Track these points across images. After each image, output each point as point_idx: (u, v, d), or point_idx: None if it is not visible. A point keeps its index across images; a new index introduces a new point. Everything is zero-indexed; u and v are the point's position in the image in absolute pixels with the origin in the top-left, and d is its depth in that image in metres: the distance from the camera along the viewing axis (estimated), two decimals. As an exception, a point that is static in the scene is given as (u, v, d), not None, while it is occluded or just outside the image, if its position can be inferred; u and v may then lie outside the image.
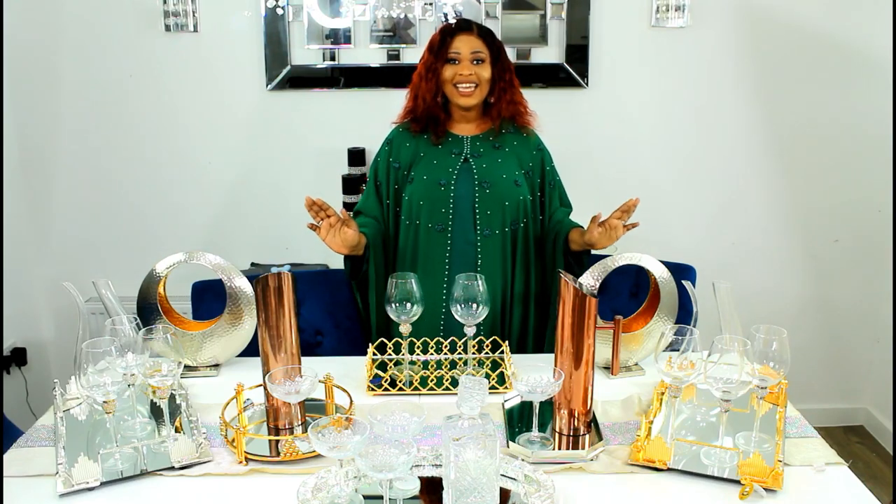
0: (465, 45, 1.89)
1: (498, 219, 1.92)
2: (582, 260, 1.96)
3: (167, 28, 2.67)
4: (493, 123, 1.97)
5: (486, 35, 1.93)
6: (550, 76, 2.75)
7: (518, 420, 1.49)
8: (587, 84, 2.76)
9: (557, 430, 1.43)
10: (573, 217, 2.04)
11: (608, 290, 2.16)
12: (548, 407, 1.49)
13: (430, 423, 1.40)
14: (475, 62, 1.89)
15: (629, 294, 2.23)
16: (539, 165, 2.00)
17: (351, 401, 1.51)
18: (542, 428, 1.42)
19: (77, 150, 2.78)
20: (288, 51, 2.71)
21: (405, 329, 1.67)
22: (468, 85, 1.89)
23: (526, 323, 2.01)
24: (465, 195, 1.92)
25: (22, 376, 2.78)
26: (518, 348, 1.98)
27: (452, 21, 1.96)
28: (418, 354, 1.74)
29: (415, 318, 1.67)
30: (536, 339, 2.03)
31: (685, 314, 1.72)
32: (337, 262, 2.03)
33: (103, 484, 1.28)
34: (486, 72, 1.90)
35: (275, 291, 1.41)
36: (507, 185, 1.93)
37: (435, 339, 1.76)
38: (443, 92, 1.93)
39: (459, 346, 1.75)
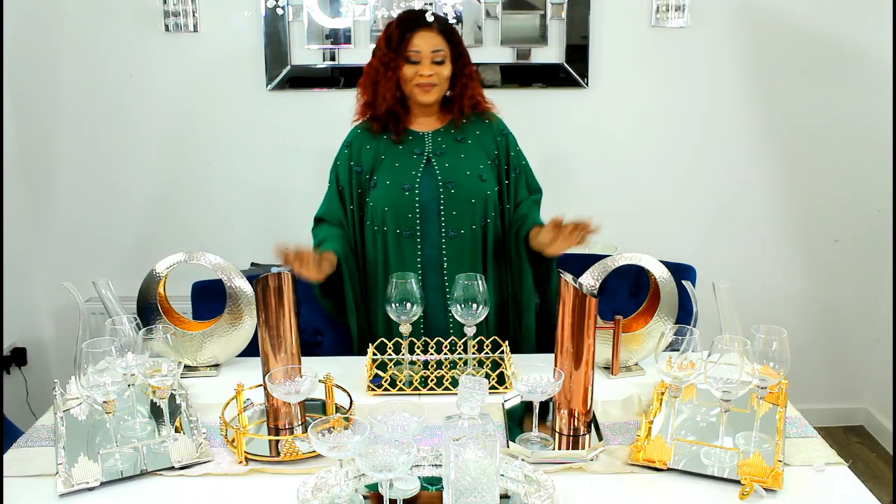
0: (425, 44, 1.81)
1: (465, 218, 1.88)
2: (541, 263, 1.90)
3: (167, 28, 2.67)
4: (453, 116, 1.92)
5: (446, 31, 1.85)
6: (550, 76, 2.75)
7: (518, 420, 1.49)
8: (587, 84, 2.76)
9: (557, 430, 1.43)
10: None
11: (608, 290, 2.16)
12: (548, 407, 1.49)
13: (430, 423, 1.40)
14: (436, 62, 1.83)
15: (629, 294, 2.23)
16: (504, 151, 1.95)
17: (351, 401, 1.51)
18: (542, 427, 1.42)
19: (77, 149, 2.78)
20: (288, 51, 2.71)
21: (405, 329, 1.67)
22: (429, 84, 1.84)
23: (505, 321, 1.98)
24: (430, 198, 1.87)
25: (22, 376, 2.78)
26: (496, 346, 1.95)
27: (412, 14, 1.85)
28: (418, 354, 1.74)
29: (415, 317, 1.67)
30: (515, 337, 1.98)
31: (685, 314, 1.72)
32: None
33: (103, 484, 1.28)
34: (446, 70, 1.85)
35: (275, 291, 1.41)
36: (472, 182, 1.88)
37: (435, 340, 1.76)
38: (402, 89, 1.87)
39: (459, 346, 1.75)
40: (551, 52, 2.74)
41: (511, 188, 1.96)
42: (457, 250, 1.89)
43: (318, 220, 1.99)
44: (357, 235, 1.97)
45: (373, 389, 1.63)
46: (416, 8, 2.64)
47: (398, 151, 1.91)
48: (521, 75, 2.75)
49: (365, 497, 1.25)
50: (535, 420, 1.41)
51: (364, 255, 1.97)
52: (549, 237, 1.73)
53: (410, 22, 1.83)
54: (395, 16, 2.66)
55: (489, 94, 2.00)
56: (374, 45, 2.68)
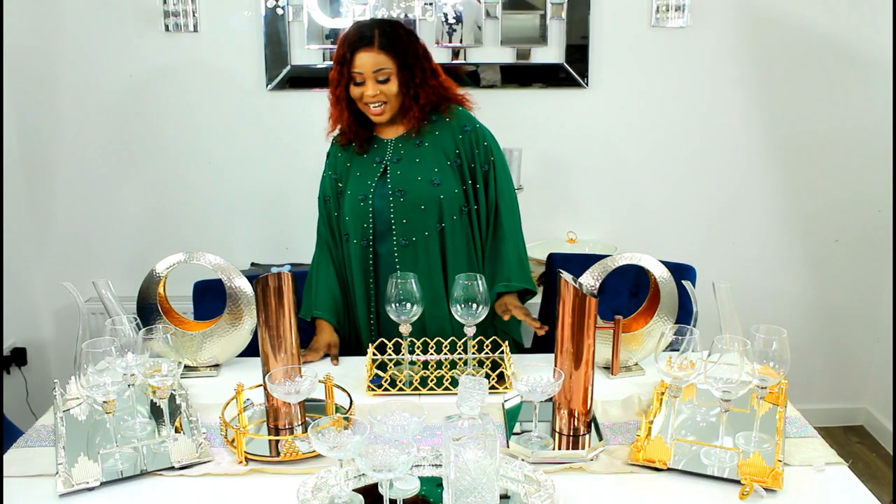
0: (366, 65, 1.77)
1: (416, 225, 1.85)
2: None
3: (167, 28, 2.67)
4: (412, 125, 1.88)
5: (388, 45, 1.77)
6: (550, 76, 2.75)
7: (518, 420, 1.49)
8: (587, 84, 2.76)
9: (557, 430, 1.43)
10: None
11: (608, 290, 2.16)
12: (548, 407, 1.49)
13: (430, 423, 1.40)
14: (379, 81, 1.79)
15: (629, 294, 2.23)
16: (468, 148, 1.88)
17: (351, 401, 1.51)
18: (541, 427, 1.42)
19: (77, 150, 2.78)
20: (288, 51, 2.71)
21: (405, 329, 1.67)
22: (377, 104, 1.81)
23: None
24: (382, 207, 1.86)
25: (22, 376, 2.78)
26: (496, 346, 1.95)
27: (358, 23, 1.81)
28: (418, 354, 1.74)
29: (415, 317, 1.67)
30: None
31: (685, 314, 1.72)
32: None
33: (103, 484, 1.28)
34: (392, 87, 1.79)
35: (275, 291, 1.41)
36: (423, 188, 1.84)
37: (435, 340, 1.76)
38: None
39: (459, 346, 1.75)
40: (551, 52, 2.74)
41: (479, 187, 1.90)
42: (410, 258, 1.87)
43: (320, 237, 1.99)
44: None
45: (373, 389, 1.64)
46: (418, 10, 2.64)
47: (362, 161, 1.91)
48: (521, 75, 2.75)
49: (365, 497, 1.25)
50: (535, 420, 1.41)
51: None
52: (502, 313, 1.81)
53: (353, 41, 1.78)
54: (395, 16, 2.68)
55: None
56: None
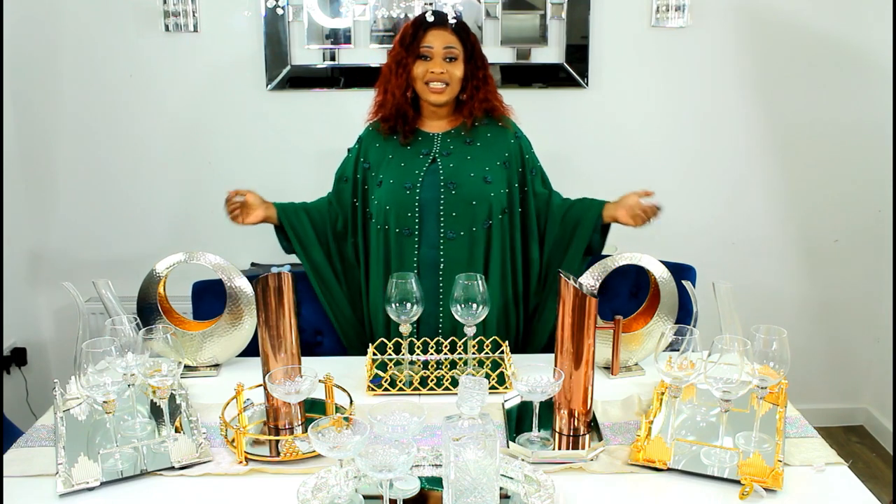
0: (437, 41, 1.82)
1: (465, 220, 1.87)
2: (602, 238, 1.96)
3: (167, 28, 2.67)
4: (465, 120, 1.91)
5: (460, 31, 1.85)
6: (550, 76, 2.75)
7: (518, 420, 1.49)
8: (587, 84, 2.76)
9: (557, 430, 1.43)
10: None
11: (608, 291, 2.16)
12: (548, 407, 1.49)
13: (430, 423, 1.40)
14: (448, 59, 1.83)
15: (629, 294, 2.23)
16: (518, 154, 1.94)
17: (351, 401, 1.51)
18: (542, 428, 1.42)
19: (77, 149, 2.78)
20: (288, 51, 2.70)
21: (405, 329, 1.67)
22: (439, 83, 1.83)
23: (507, 321, 1.98)
24: (430, 198, 1.87)
25: (22, 376, 2.78)
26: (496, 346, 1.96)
27: (426, 13, 1.83)
28: (418, 354, 1.74)
29: (415, 317, 1.67)
30: (518, 336, 2.00)
31: (685, 314, 1.72)
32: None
33: (103, 484, 1.28)
34: (458, 70, 1.84)
35: (275, 291, 1.41)
36: (475, 184, 1.87)
37: (435, 340, 1.76)
38: (413, 88, 1.88)
39: (459, 346, 1.75)
40: (551, 52, 2.74)
41: (528, 190, 1.96)
42: (455, 252, 1.88)
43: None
44: (360, 231, 1.99)
45: (373, 389, 1.64)
46: (418, 10, 2.65)
47: (405, 152, 1.91)
48: (521, 75, 2.75)
49: (365, 497, 1.25)
50: (536, 420, 1.41)
51: (367, 253, 1.98)
52: (634, 200, 1.85)
53: (425, 21, 1.82)
54: (394, 16, 2.68)
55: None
56: (373, 45, 2.72)
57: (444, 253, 1.89)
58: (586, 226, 1.94)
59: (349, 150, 2.02)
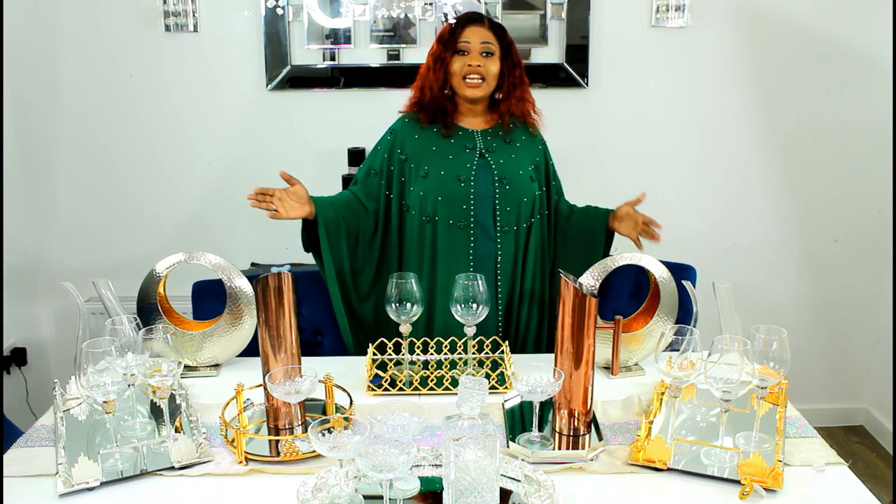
0: (474, 36, 1.87)
1: (515, 215, 1.91)
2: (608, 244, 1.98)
3: (167, 28, 2.67)
4: (500, 119, 1.95)
5: (496, 28, 1.91)
6: (550, 76, 2.75)
7: (518, 420, 1.49)
8: (587, 84, 2.76)
9: (557, 430, 1.43)
10: None
11: (608, 291, 2.16)
12: (548, 407, 1.49)
13: (430, 423, 1.40)
14: (484, 54, 1.87)
15: (629, 294, 2.23)
16: (544, 161, 2.01)
17: (351, 401, 1.51)
18: (542, 428, 1.42)
19: (77, 150, 2.78)
20: (288, 51, 2.71)
21: (405, 329, 1.67)
22: (476, 77, 1.86)
23: (530, 321, 2.00)
24: (485, 192, 1.89)
25: (22, 376, 2.78)
26: (522, 347, 1.98)
27: (465, 12, 1.95)
28: (418, 354, 1.74)
29: (415, 317, 1.67)
30: (538, 337, 2.02)
31: (685, 314, 1.72)
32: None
33: (103, 484, 1.28)
34: (494, 66, 1.88)
35: (275, 291, 1.40)
36: (524, 181, 1.92)
37: (435, 339, 1.76)
38: (450, 84, 1.90)
39: (459, 346, 1.75)
40: (551, 52, 2.74)
41: (550, 196, 2.02)
42: (509, 246, 1.92)
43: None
44: (395, 222, 1.96)
45: (373, 389, 1.63)
46: (418, 10, 2.66)
47: (449, 145, 1.92)
48: (521, 75, 2.75)
49: (365, 497, 1.25)
50: (536, 420, 1.41)
51: (402, 244, 1.96)
52: (625, 210, 1.87)
53: (463, 18, 1.90)
54: (394, 16, 2.69)
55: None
56: (373, 45, 2.72)
57: (502, 246, 1.92)
58: (597, 246, 1.98)
59: (378, 143, 1.99)
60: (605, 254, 1.98)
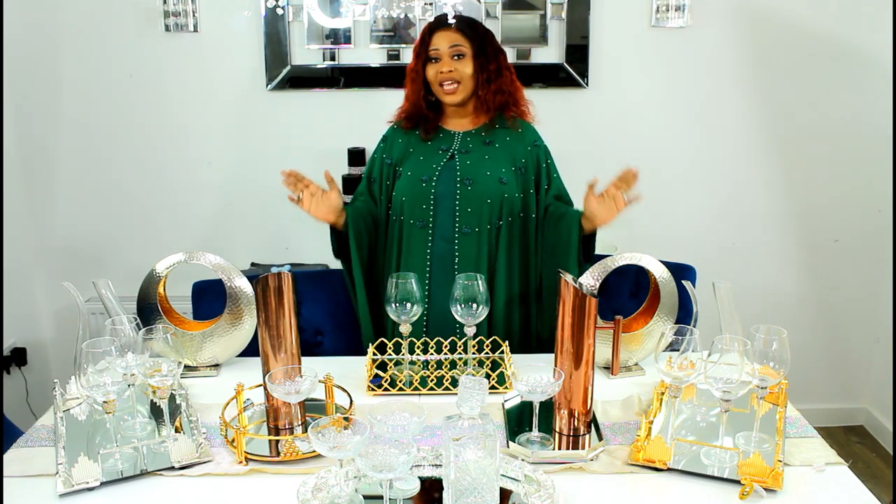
0: (442, 41, 1.88)
1: (478, 217, 1.90)
2: (589, 248, 1.93)
3: (167, 28, 2.67)
4: (485, 117, 1.96)
5: (465, 28, 1.90)
6: (550, 76, 2.75)
7: (518, 420, 1.49)
8: (587, 84, 2.76)
9: (557, 430, 1.43)
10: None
11: (608, 291, 2.16)
12: (548, 407, 1.49)
13: (430, 423, 1.40)
14: (455, 57, 1.87)
15: (629, 294, 2.23)
16: (534, 162, 1.97)
17: (351, 401, 1.51)
18: (542, 428, 1.42)
19: (77, 150, 2.78)
20: (288, 51, 2.71)
21: (405, 329, 1.67)
22: (451, 82, 1.88)
23: (510, 322, 1.98)
24: (446, 192, 1.90)
25: (22, 376, 2.78)
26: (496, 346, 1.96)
27: (433, 18, 1.95)
28: (418, 354, 1.74)
29: (415, 317, 1.67)
30: (520, 339, 2.00)
31: (685, 314, 1.72)
32: (337, 263, 2.03)
33: (103, 484, 1.28)
34: (467, 67, 1.88)
35: (275, 291, 1.41)
36: (490, 183, 1.90)
37: (435, 339, 1.76)
38: (433, 91, 1.93)
39: (459, 346, 1.75)
40: (551, 52, 2.74)
41: (540, 198, 1.97)
42: (469, 248, 1.91)
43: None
44: (383, 228, 2.00)
45: (373, 389, 1.63)
46: (418, 10, 2.66)
47: (425, 147, 1.95)
48: (521, 75, 2.67)
49: (365, 497, 1.25)
50: (536, 420, 1.41)
51: (386, 245, 1.99)
52: (593, 206, 1.79)
53: (432, 25, 1.91)
54: (394, 16, 2.69)
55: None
56: (373, 45, 2.73)
57: (459, 247, 1.91)
58: (572, 253, 1.91)
59: (373, 151, 2.05)
60: (588, 259, 1.94)
